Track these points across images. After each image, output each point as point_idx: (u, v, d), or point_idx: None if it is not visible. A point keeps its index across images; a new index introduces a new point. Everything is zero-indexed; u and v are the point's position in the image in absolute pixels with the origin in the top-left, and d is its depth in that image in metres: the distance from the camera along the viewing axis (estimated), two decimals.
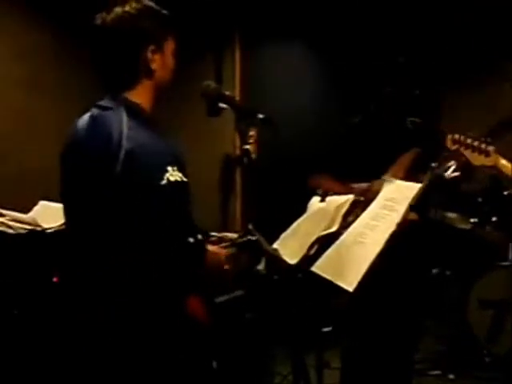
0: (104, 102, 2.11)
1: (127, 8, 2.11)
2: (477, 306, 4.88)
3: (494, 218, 5.15)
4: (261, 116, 2.37)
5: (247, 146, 2.38)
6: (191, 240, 2.03)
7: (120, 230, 1.98)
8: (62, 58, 4.59)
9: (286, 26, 5.53)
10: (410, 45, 6.23)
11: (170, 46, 2.16)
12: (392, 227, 2.52)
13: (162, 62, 2.13)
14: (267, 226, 3.30)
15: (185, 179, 2.02)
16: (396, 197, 2.67)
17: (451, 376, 4.66)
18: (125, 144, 1.95)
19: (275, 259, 2.60)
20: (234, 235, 3.51)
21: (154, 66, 2.11)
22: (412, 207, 2.64)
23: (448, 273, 5.55)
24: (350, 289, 2.39)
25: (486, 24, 6.48)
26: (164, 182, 1.95)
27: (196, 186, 2.80)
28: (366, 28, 5.93)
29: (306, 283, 2.74)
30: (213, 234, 3.51)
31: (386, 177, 3.02)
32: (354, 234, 2.58)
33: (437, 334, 5.31)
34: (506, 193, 5.16)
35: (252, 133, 3.64)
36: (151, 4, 2.15)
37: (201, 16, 5.06)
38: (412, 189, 2.70)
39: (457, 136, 2.77)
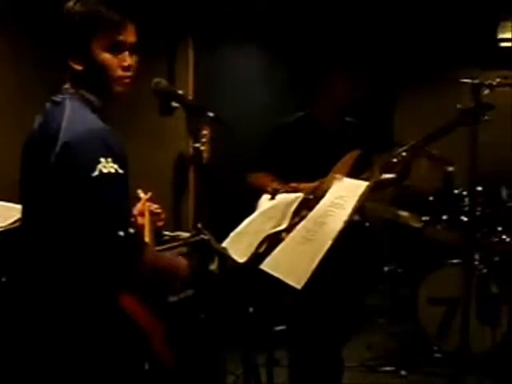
0: (56, 97, 2.14)
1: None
2: (427, 303, 4.96)
3: (444, 217, 5.24)
4: (211, 114, 2.36)
5: (198, 145, 2.38)
6: (121, 233, 2.00)
7: (55, 222, 2.01)
8: (21, 58, 4.50)
9: (239, 26, 5.53)
10: (363, 45, 6.31)
11: (99, 44, 2.12)
12: (340, 225, 2.54)
13: (88, 62, 2.12)
14: (220, 224, 3.31)
15: (120, 171, 2.00)
16: (345, 194, 2.69)
17: (403, 372, 4.73)
18: (62, 137, 1.98)
19: (225, 258, 2.61)
20: (187, 234, 3.51)
21: (78, 67, 2.12)
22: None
23: (400, 270, 5.64)
24: (299, 286, 2.41)
25: (437, 27, 6.58)
26: (96, 173, 1.94)
27: (149, 184, 2.79)
28: (320, 27, 5.97)
29: (256, 281, 2.76)
30: (166, 233, 3.50)
31: (339, 175, 3.05)
32: (303, 231, 2.59)
33: (388, 330, 5.38)
34: (456, 192, 5.25)
35: (205, 132, 3.64)
36: (68, 11, 2.14)
37: (154, 15, 5.03)
38: (361, 187, 2.73)
39: None
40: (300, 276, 2.40)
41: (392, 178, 3.38)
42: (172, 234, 3.52)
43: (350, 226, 2.85)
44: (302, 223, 2.66)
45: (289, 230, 2.64)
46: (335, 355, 3.47)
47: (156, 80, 2.32)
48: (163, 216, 2.63)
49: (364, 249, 3.45)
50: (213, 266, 2.96)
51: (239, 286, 3.13)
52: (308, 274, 2.40)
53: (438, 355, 4.91)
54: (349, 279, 3.37)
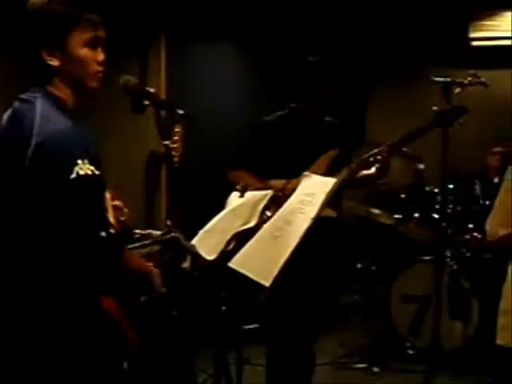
0: (25, 95, 2.09)
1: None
2: (399, 301, 4.99)
3: (416, 214, 5.27)
4: (180, 112, 2.36)
5: (167, 142, 2.37)
6: (103, 234, 1.99)
7: (31, 225, 1.97)
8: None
9: (213, 24, 5.52)
10: (337, 45, 6.33)
11: (76, 39, 2.08)
12: (308, 222, 2.55)
13: (65, 56, 2.07)
14: (192, 222, 3.30)
15: (97, 172, 1.99)
16: (313, 192, 2.70)
17: (376, 369, 4.74)
18: (35, 137, 1.94)
19: (194, 256, 2.61)
20: (158, 232, 3.50)
21: (54, 62, 2.07)
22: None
23: (373, 268, 5.67)
24: (267, 284, 2.42)
25: (409, 26, 6.62)
26: (73, 175, 1.93)
27: (121, 182, 2.78)
28: (293, 27, 5.98)
29: (225, 279, 2.75)
30: (137, 231, 3.48)
31: (309, 173, 3.06)
32: (272, 228, 2.60)
33: (361, 328, 5.41)
34: (428, 189, 5.29)
35: (177, 129, 3.63)
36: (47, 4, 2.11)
37: (126, 13, 5.01)
38: (329, 184, 2.74)
39: None
40: (268, 274, 2.41)
41: (372, 174, 3.39)
42: (143, 232, 3.51)
43: (325, 223, 2.88)
44: (271, 221, 2.66)
45: (257, 227, 2.64)
46: (307, 351, 3.47)
47: (125, 78, 2.31)
48: (125, 210, 2.61)
49: (336, 246, 3.45)
50: (185, 264, 2.96)
51: (211, 284, 3.12)
52: (276, 272, 2.40)
53: (410, 352, 4.94)
54: (320, 275, 3.37)
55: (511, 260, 2.67)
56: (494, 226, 2.83)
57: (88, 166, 1.96)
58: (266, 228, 2.62)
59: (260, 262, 2.49)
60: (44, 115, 2.00)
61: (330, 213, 2.98)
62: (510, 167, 2.76)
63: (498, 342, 2.65)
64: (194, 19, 5.40)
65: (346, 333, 5.34)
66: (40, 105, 2.03)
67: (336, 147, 3.29)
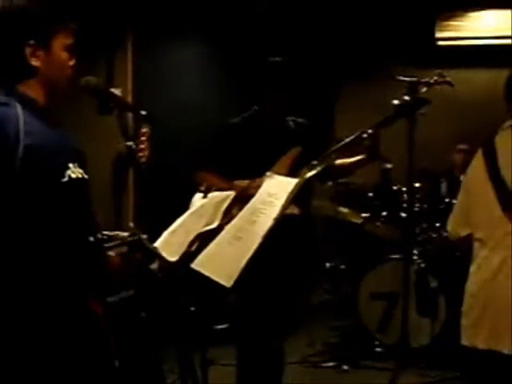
0: (2, 98, 2.05)
1: (10, 3, 2.08)
2: (368, 299, 5.03)
3: (384, 213, 5.32)
4: (143, 112, 2.35)
5: (130, 143, 2.37)
6: (91, 239, 2.00)
7: (21, 227, 1.94)
8: None
9: (179, 25, 5.51)
10: (305, 44, 6.36)
11: (59, 42, 2.09)
12: (270, 222, 2.57)
13: (47, 58, 2.07)
14: (159, 223, 3.29)
15: (85, 176, 2.00)
16: (276, 192, 2.72)
17: (344, 367, 4.77)
18: (23, 139, 1.91)
19: (157, 257, 2.61)
20: (125, 234, 3.48)
21: (36, 62, 2.05)
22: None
23: (342, 267, 5.70)
24: (228, 285, 2.42)
25: (376, 26, 6.67)
26: (65, 179, 1.93)
27: (90, 184, 2.77)
28: (261, 26, 5.99)
29: (195, 280, 2.75)
30: (104, 232, 3.47)
31: (271, 174, 3.06)
32: (234, 229, 2.61)
33: (331, 326, 5.43)
34: (395, 188, 5.33)
35: (144, 130, 3.62)
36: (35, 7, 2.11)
37: (93, 14, 4.98)
38: (291, 184, 2.76)
39: None
40: (229, 274, 2.42)
41: (360, 160, 3.41)
42: (111, 233, 3.50)
43: (288, 221, 2.89)
44: (233, 222, 2.67)
45: (220, 228, 2.65)
46: (276, 351, 3.48)
47: (86, 78, 2.30)
48: None
49: (300, 243, 3.47)
50: (154, 266, 2.96)
51: (180, 285, 3.12)
52: (237, 273, 2.41)
53: (379, 349, 4.99)
54: (285, 273, 3.38)
55: (472, 261, 2.70)
56: (455, 226, 2.86)
57: (78, 169, 1.97)
58: (229, 229, 2.62)
59: (222, 263, 2.50)
60: (25, 117, 1.97)
61: (293, 210, 2.99)
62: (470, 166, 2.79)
63: (462, 342, 2.68)
64: (160, 19, 5.39)
65: (315, 332, 5.35)
66: (19, 106, 2.00)
67: (299, 146, 3.30)
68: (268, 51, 3.59)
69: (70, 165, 1.95)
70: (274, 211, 2.60)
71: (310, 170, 3.16)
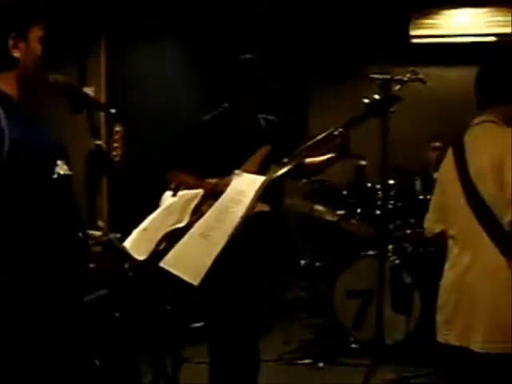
0: None
1: None
2: (343, 296, 5.05)
3: (358, 210, 5.34)
4: (112, 111, 2.34)
5: (100, 142, 2.36)
6: (80, 235, 1.99)
7: (12, 224, 1.92)
8: None
9: (153, 24, 5.49)
10: (278, 42, 6.36)
11: (35, 34, 2.09)
12: (238, 220, 2.57)
13: (26, 49, 2.07)
14: (132, 221, 3.28)
15: (70, 172, 1.99)
16: (244, 190, 2.72)
17: (320, 364, 4.79)
18: (8, 134, 1.90)
19: (126, 256, 2.60)
20: (99, 233, 3.46)
21: (17, 54, 2.05)
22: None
23: (318, 264, 5.72)
24: (195, 283, 2.43)
25: (350, 24, 6.69)
26: (55, 175, 1.91)
27: None
28: (233, 25, 5.99)
29: (166, 279, 2.75)
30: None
31: (239, 172, 3.07)
32: (202, 227, 2.62)
33: (306, 324, 5.45)
34: (369, 185, 5.35)
35: (117, 129, 3.60)
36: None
37: (67, 12, 4.95)
38: (258, 181, 2.76)
39: None
40: (197, 272, 2.42)
41: (330, 158, 3.42)
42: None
43: (258, 218, 2.89)
44: (201, 220, 2.68)
45: (189, 226, 2.65)
46: (251, 349, 3.48)
47: (54, 77, 2.28)
48: None
49: (271, 239, 3.46)
50: (127, 265, 2.95)
51: (155, 284, 3.11)
52: (205, 270, 2.42)
53: (354, 346, 5.01)
54: (256, 270, 3.38)
55: (447, 258, 2.72)
56: (430, 223, 2.88)
57: (65, 166, 1.96)
58: (197, 227, 2.63)
59: (190, 262, 2.50)
60: (7, 113, 1.95)
61: (263, 207, 2.99)
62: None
63: (437, 338, 2.70)
64: (134, 19, 5.37)
65: (291, 329, 5.36)
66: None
67: (270, 144, 3.30)
68: (240, 49, 3.58)
69: (59, 162, 1.95)
70: (241, 209, 2.61)
71: (278, 168, 3.16)
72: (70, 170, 2.01)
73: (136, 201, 4.23)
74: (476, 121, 2.68)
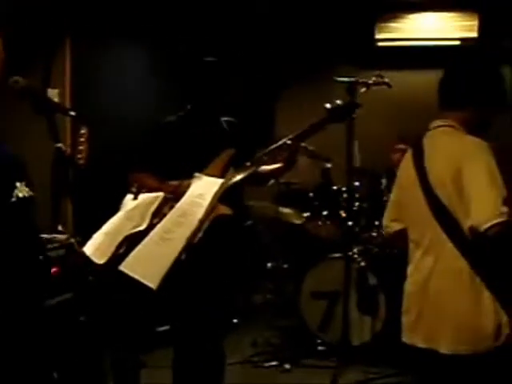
0: None
1: None
2: (309, 298, 5.06)
3: (324, 213, 5.36)
4: (72, 113, 2.33)
5: (60, 145, 2.34)
6: (41, 257, 1.96)
7: None
8: None
9: (118, 26, 5.46)
10: (245, 44, 6.37)
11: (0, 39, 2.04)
12: (196, 224, 2.57)
13: None
14: (96, 225, 3.26)
15: (32, 193, 1.94)
16: (203, 193, 2.72)
17: (287, 366, 4.78)
18: None
19: (86, 260, 2.59)
20: (64, 236, 3.44)
21: None
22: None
23: (285, 266, 5.73)
24: (154, 287, 2.42)
25: (318, 27, 6.72)
26: (13, 199, 1.87)
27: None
28: (200, 27, 5.98)
29: (132, 282, 2.73)
30: (42, 235, 3.41)
31: (199, 174, 3.06)
32: (162, 231, 2.61)
33: (273, 326, 5.45)
34: (335, 188, 5.38)
35: (82, 131, 3.57)
36: None
37: (31, 14, 4.90)
38: (217, 184, 2.77)
39: None
40: (155, 276, 2.42)
41: (278, 168, 3.43)
42: (48, 236, 3.45)
43: (220, 221, 2.90)
44: (161, 223, 2.68)
45: (148, 230, 2.64)
46: (216, 351, 3.48)
47: (14, 78, 2.26)
48: None
49: (233, 242, 3.47)
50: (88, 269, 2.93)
51: (121, 287, 3.10)
52: (163, 274, 2.41)
53: (321, 348, 5.02)
54: (218, 273, 3.38)
55: (409, 261, 2.73)
56: (388, 222, 2.90)
57: (25, 187, 1.91)
58: (156, 230, 2.63)
59: (149, 265, 2.50)
60: None
61: (225, 210, 3.00)
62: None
63: (403, 339, 2.72)
64: (99, 21, 5.33)
65: (257, 332, 5.37)
66: None
67: (233, 147, 3.31)
68: (204, 51, 3.58)
69: (18, 184, 1.89)
70: (200, 212, 2.61)
71: (236, 173, 3.17)
72: (32, 191, 1.96)
73: (100, 203, 4.21)
74: (435, 124, 2.70)
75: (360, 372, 4.61)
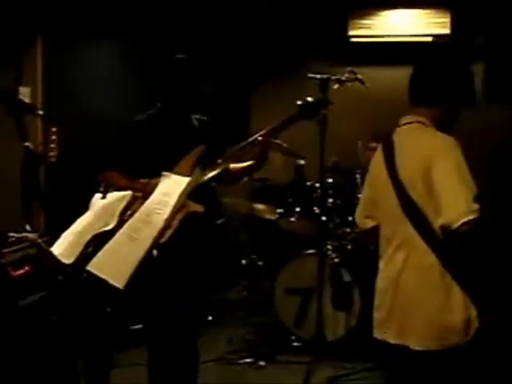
0: None
1: None
2: (283, 294, 5.07)
3: (298, 209, 5.37)
4: (40, 112, 2.32)
5: (28, 144, 2.33)
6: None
7: None
8: None
9: (90, 24, 5.42)
10: (218, 41, 6.36)
11: None
12: (162, 223, 2.57)
13: None
14: (68, 224, 3.23)
15: None
16: (170, 192, 2.72)
17: (261, 363, 4.79)
18: None
19: (54, 260, 2.58)
20: (34, 235, 3.41)
21: None
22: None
23: (260, 263, 5.73)
24: (120, 286, 2.42)
25: (291, 24, 6.72)
26: None
27: None
28: (174, 26, 5.96)
29: (95, 282, 2.72)
30: (12, 234, 3.38)
31: (167, 173, 3.05)
32: (129, 230, 2.60)
33: (248, 323, 5.45)
34: (309, 183, 5.39)
35: (54, 129, 3.54)
36: None
37: (1, 13, 4.86)
38: (183, 183, 2.76)
39: None
40: (122, 275, 2.41)
41: (249, 165, 3.43)
42: (18, 235, 3.41)
43: (195, 219, 2.89)
44: (128, 223, 2.67)
45: (117, 228, 2.63)
46: (190, 350, 3.47)
47: None
48: None
49: (206, 240, 3.46)
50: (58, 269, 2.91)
51: (95, 286, 3.08)
52: (129, 273, 2.41)
53: (296, 344, 5.03)
54: (192, 272, 3.38)
55: (380, 257, 2.75)
56: (361, 218, 2.91)
57: None
58: (124, 230, 2.62)
59: (116, 264, 2.49)
60: None
61: (197, 208, 2.99)
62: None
63: (374, 335, 2.73)
64: (70, 19, 5.29)
65: (233, 329, 5.37)
66: None
67: (204, 144, 3.30)
68: (176, 49, 3.56)
69: None
70: (167, 211, 2.60)
71: (203, 171, 3.16)
72: None
73: (72, 202, 4.18)
74: (404, 121, 2.71)
75: (335, 367, 4.63)
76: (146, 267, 2.98)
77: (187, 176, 3.01)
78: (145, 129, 3.45)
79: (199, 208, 2.99)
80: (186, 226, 2.87)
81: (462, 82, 2.68)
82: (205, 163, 3.22)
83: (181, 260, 3.20)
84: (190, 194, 3.00)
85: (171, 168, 3.16)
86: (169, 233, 2.89)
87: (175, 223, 2.89)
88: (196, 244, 3.30)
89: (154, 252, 2.86)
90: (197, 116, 3.53)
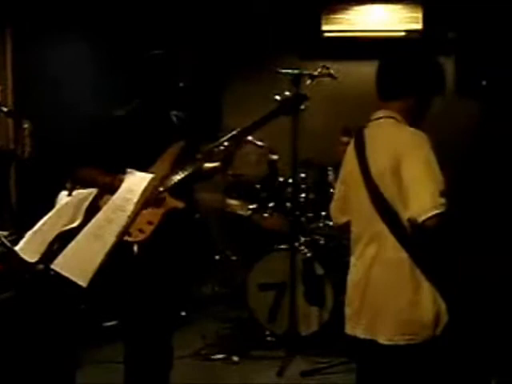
0: None
1: None
2: (257, 289, 5.07)
3: (270, 204, 5.37)
4: (4, 109, 2.30)
5: None
6: None
7: None
8: None
9: (61, 19, 5.38)
10: (189, 38, 6.34)
11: None
12: (126, 220, 2.56)
13: None
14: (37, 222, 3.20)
15: None
16: (134, 189, 2.71)
17: (235, 358, 4.78)
18: None
19: (17, 258, 2.57)
20: (5, 233, 3.38)
21: None
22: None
23: (234, 258, 5.74)
24: (84, 284, 2.41)
25: (264, 19, 6.71)
26: None
27: None
28: (145, 22, 5.94)
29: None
30: None
31: (132, 170, 3.04)
32: (94, 228, 2.59)
33: (222, 319, 5.45)
34: (281, 179, 5.39)
35: (25, 126, 3.51)
36: None
37: None
38: (146, 180, 2.76)
39: None
40: (85, 274, 2.40)
41: (215, 167, 3.42)
42: None
43: (174, 215, 2.88)
44: (93, 220, 2.65)
45: (82, 226, 2.62)
46: (163, 346, 3.46)
47: None
48: None
49: (185, 236, 3.45)
50: (40, 266, 2.89)
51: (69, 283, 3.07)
52: (93, 271, 2.40)
53: (270, 339, 5.04)
54: (169, 267, 3.37)
55: (351, 253, 2.76)
56: (336, 214, 2.91)
57: None
58: (88, 227, 2.61)
59: (80, 263, 2.48)
60: None
61: (176, 203, 2.99)
62: None
63: (346, 330, 2.75)
64: (41, 14, 5.25)
65: (206, 324, 5.36)
66: None
67: (182, 140, 3.29)
68: (151, 45, 3.54)
69: None
70: (130, 209, 2.60)
71: (186, 166, 3.16)
72: None
73: (42, 199, 4.15)
74: (375, 116, 2.71)
75: (309, 362, 4.65)
76: (126, 264, 2.97)
77: (167, 172, 3.01)
78: (126, 125, 3.42)
79: (180, 204, 2.99)
80: (166, 222, 2.87)
81: (429, 74, 2.68)
82: (183, 159, 3.22)
83: (161, 256, 3.19)
84: (171, 190, 3.01)
85: (150, 165, 3.15)
86: (150, 229, 2.89)
87: (156, 219, 2.89)
88: (176, 240, 3.29)
89: (135, 249, 2.86)
90: (175, 112, 3.51)
